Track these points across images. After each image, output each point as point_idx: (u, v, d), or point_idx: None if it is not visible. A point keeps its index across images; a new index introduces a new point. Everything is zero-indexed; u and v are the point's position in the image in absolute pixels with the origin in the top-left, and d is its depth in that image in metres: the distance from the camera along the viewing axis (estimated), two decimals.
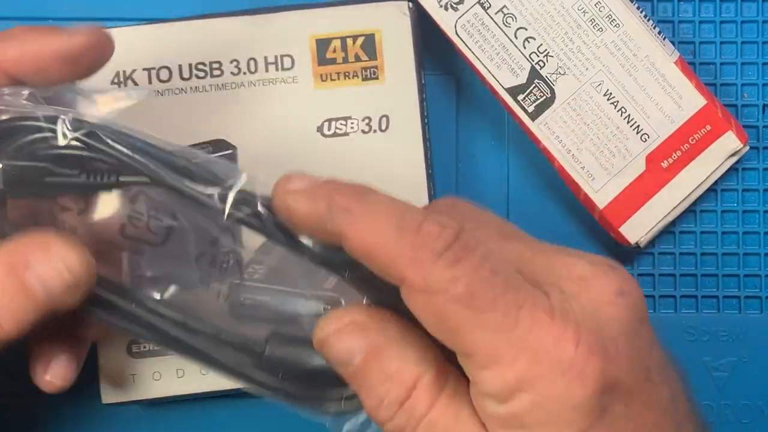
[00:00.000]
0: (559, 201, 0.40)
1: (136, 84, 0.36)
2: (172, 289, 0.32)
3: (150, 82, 0.36)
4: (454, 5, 0.36)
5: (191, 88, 0.37)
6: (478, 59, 0.37)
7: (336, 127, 0.37)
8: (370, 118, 0.38)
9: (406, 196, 0.37)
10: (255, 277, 0.37)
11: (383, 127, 0.38)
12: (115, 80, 0.36)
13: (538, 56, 0.36)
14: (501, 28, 0.36)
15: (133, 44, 0.37)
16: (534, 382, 0.26)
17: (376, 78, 0.37)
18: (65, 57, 0.29)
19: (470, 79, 0.40)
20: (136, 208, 0.32)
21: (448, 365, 0.28)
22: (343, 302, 0.37)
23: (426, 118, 0.38)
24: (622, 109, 0.37)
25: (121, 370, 0.37)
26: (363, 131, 0.37)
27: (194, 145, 0.37)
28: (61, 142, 0.29)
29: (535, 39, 0.36)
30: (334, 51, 0.37)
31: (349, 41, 0.37)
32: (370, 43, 0.37)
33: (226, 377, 0.31)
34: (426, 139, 0.38)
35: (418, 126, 0.38)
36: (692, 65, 0.41)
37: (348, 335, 0.29)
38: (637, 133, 0.37)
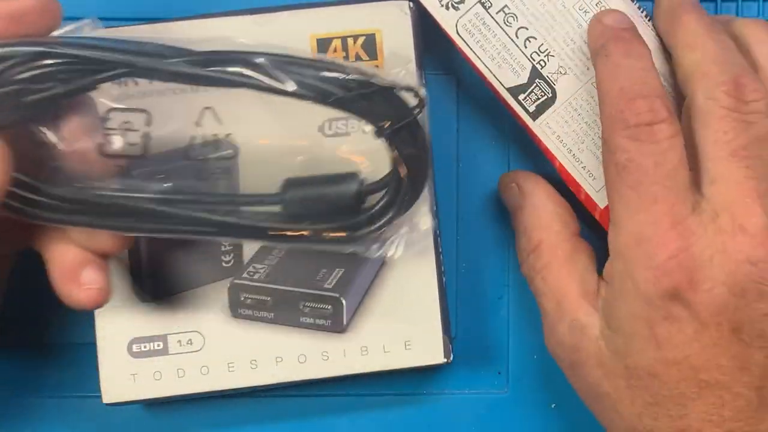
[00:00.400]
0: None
1: (136, 84, 0.36)
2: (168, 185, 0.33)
3: (150, 82, 0.36)
4: (455, 5, 0.36)
5: (192, 88, 0.37)
6: (479, 59, 0.37)
7: (337, 127, 0.37)
8: None
9: None
10: (256, 276, 0.37)
11: None
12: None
13: (539, 56, 0.36)
14: (502, 28, 0.36)
15: None
16: (627, 259, 0.32)
17: None
18: (10, 16, 0.30)
19: (471, 78, 0.40)
20: (108, 125, 0.33)
21: (571, 236, 0.36)
22: (344, 302, 0.37)
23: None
24: None
25: (122, 369, 0.37)
26: (363, 131, 0.37)
27: (194, 146, 0.37)
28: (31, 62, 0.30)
29: (536, 38, 0.36)
30: (335, 51, 0.37)
31: (350, 41, 0.37)
32: (370, 43, 0.37)
33: (255, 239, 0.34)
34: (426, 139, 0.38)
35: None
36: None
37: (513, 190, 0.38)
38: None
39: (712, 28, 0.35)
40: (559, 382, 0.37)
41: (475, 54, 0.37)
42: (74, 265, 0.32)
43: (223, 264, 0.38)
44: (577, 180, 0.37)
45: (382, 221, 0.33)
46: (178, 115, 0.36)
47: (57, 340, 0.40)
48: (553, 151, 0.37)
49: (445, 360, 0.38)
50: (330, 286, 0.37)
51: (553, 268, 0.36)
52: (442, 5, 0.36)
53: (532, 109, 0.37)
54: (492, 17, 0.36)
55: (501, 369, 0.41)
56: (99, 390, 0.37)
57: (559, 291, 0.35)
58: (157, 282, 0.37)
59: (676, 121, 0.33)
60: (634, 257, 0.32)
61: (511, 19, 0.36)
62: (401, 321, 0.38)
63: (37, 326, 0.40)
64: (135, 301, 0.37)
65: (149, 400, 0.37)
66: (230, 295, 0.37)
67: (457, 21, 0.36)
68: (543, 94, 0.37)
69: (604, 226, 0.38)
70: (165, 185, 0.33)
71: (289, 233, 0.33)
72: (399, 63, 0.37)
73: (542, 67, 0.37)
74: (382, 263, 0.38)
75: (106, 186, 0.32)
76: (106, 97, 0.32)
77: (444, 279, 0.38)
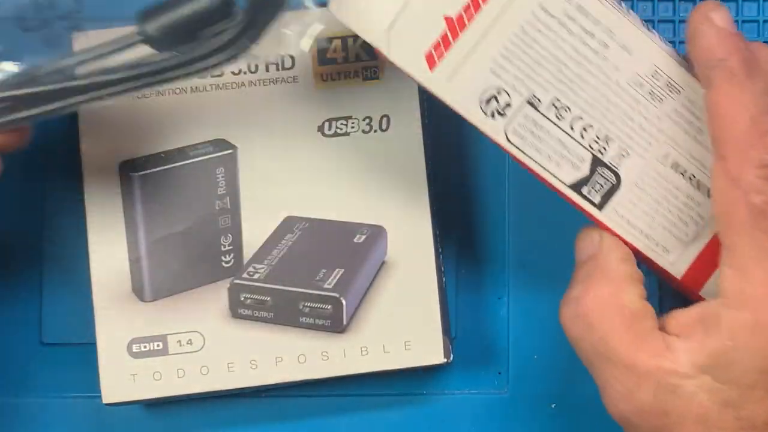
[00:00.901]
0: (561, 200, 0.40)
1: None
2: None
3: None
4: (501, 111, 0.32)
5: (191, 88, 0.37)
6: (535, 161, 0.33)
7: (337, 127, 0.37)
8: (370, 118, 0.38)
9: (406, 196, 0.38)
10: (255, 276, 0.37)
11: (383, 127, 0.38)
12: None
13: (598, 143, 0.33)
14: (555, 123, 0.33)
15: None
16: (760, 312, 0.30)
17: (377, 78, 0.37)
18: None
19: None
20: None
21: (639, 299, 0.33)
22: (344, 302, 0.37)
23: (426, 118, 0.38)
24: (691, 176, 0.34)
25: (121, 370, 0.37)
26: (363, 131, 0.37)
27: (195, 146, 0.37)
28: None
29: (592, 126, 0.33)
30: (335, 51, 0.37)
31: (350, 41, 0.37)
32: None
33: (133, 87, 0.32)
34: (426, 139, 0.38)
35: (418, 126, 0.38)
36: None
37: None
38: (708, 196, 0.34)
39: (727, 30, 0.32)
40: (559, 382, 0.37)
41: (531, 158, 0.33)
42: None
43: (223, 264, 0.38)
44: (652, 258, 0.35)
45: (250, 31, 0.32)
46: (180, 119, 0.36)
47: (57, 340, 0.40)
48: (623, 236, 0.34)
49: (445, 360, 0.38)
50: (330, 286, 0.37)
51: (614, 329, 0.32)
52: (488, 115, 0.33)
53: (597, 200, 0.34)
54: (543, 115, 0.33)
55: (501, 369, 0.40)
56: (99, 390, 0.37)
57: (627, 355, 0.31)
58: (156, 282, 0.37)
59: None
60: None
61: (564, 112, 0.33)
62: (401, 321, 0.38)
63: (38, 326, 0.40)
64: (135, 301, 0.37)
65: (149, 400, 0.37)
66: (230, 295, 0.37)
67: (506, 128, 0.33)
68: (607, 181, 0.34)
69: (683, 292, 0.36)
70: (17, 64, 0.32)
71: (162, 70, 0.32)
72: None
73: (603, 154, 0.33)
74: (382, 263, 0.38)
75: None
76: None
77: (444, 279, 0.38)
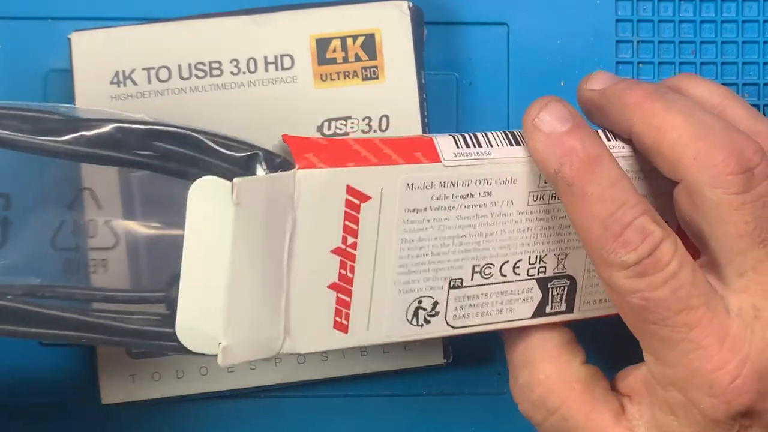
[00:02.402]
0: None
1: (135, 84, 0.36)
2: (36, 283, 0.31)
3: (149, 82, 0.36)
4: (432, 313, 0.32)
5: (191, 88, 0.37)
6: (489, 323, 0.33)
7: (336, 127, 0.37)
8: (370, 118, 0.37)
9: None
10: None
11: (383, 127, 0.38)
12: (115, 80, 0.36)
13: (535, 268, 0.33)
14: (486, 284, 0.32)
15: (133, 44, 0.36)
16: (686, 390, 0.29)
17: (376, 78, 0.37)
18: None
19: (471, 78, 0.40)
20: None
21: (581, 364, 0.33)
22: None
23: (426, 118, 0.38)
24: None
25: (121, 370, 0.37)
26: (363, 131, 0.37)
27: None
28: None
29: (521, 260, 0.32)
30: (334, 51, 0.37)
31: (349, 41, 0.37)
32: (370, 43, 0.37)
33: (137, 344, 0.30)
34: None
35: (418, 126, 0.38)
36: (692, 65, 0.41)
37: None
38: None
39: (666, 97, 0.31)
40: None
41: (483, 324, 0.33)
42: None
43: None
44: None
45: None
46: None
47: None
48: (603, 314, 0.34)
49: (445, 361, 0.38)
50: None
51: (571, 406, 0.32)
52: (423, 324, 0.32)
53: (563, 308, 0.33)
54: (471, 287, 0.32)
55: (501, 370, 0.40)
56: (98, 391, 0.37)
57: (586, 428, 0.31)
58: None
59: (669, 229, 0.29)
60: (693, 389, 0.29)
61: (487, 270, 0.32)
62: None
63: None
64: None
65: (148, 400, 0.37)
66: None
67: (447, 321, 0.32)
68: (562, 287, 0.33)
69: None
70: (30, 280, 0.31)
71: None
72: (399, 63, 0.37)
73: (545, 272, 0.33)
74: None
75: None
76: None
77: None
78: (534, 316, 0.33)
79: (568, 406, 0.32)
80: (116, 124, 0.28)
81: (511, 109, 0.40)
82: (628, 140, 0.32)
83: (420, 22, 0.37)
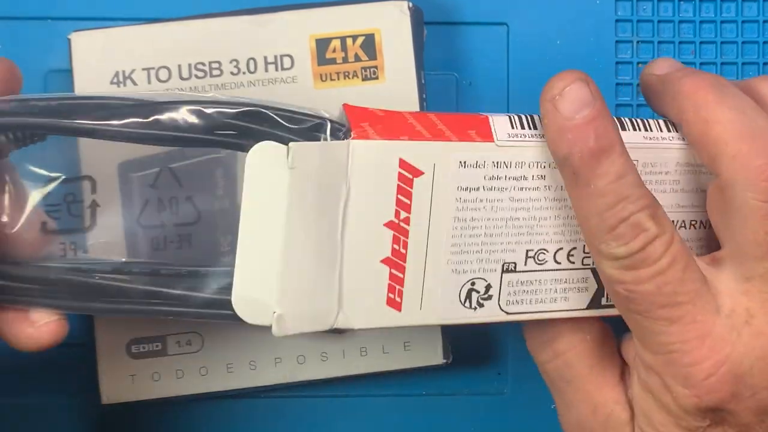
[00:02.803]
0: None
1: (135, 84, 0.36)
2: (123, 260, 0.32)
3: (149, 82, 0.36)
4: (485, 296, 0.31)
5: (191, 88, 0.37)
6: (543, 312, 0.32)
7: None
8: None
9: None
10: None
11: None
12: (114, 80, 0.36)
13: (589, 257, 0.32)
14: (540, 270, 0.31)
15: (133, 44, 0.36)
16: (662, 375, 0.30)
17: (376, 78, 0.37)
18: None
19: (471, 78, 0.40)
20: (50, 201, 0.31)
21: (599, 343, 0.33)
22: None
23: None
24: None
25: (121, 370, 0.37)
26: None
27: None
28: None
29: (575, 248, 0.32)
30: (334, 51, 0.37)
31: (349, 41, 0.37)
32: (370, 43, 0.37)
33: (220, 317, 0.30)
34: None
35: None
36: (693, 65, 0.41)
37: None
38: None
39: (723, 90, 0.30)
40: None
41: (537, 312, 0.32)
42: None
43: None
44: None
45: None
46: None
47: None
48: None
49: (445, 361, 0.38)
50: None
51: (577, 355, 0.33)
52: (476, 307, 0.31)
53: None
54: (525, 272, 0.31)
55: (501, 370, 0.40)
56: (98, 391, 0.37)
57: (586, 380, 0.33)
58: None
59: (668, 223, 0.29)
60: (669, 375, 0.30)
61: (541, 256, 0.31)
62: None
63: None
64: None
65: (148, 401, 0.37)
66: None
67: (500, 306, 0.32)
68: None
69: None
70: (118, 258, 0.32)
71: None
72: (399, 63, 0.37)
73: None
74: None
75: (54, 263, 0.30)
76: (42, 166, 0.31)
77: None
78: (589, 307, 0.32)
79: (576, 353, 0.33)
80: (190, 106, 0.29)
81: (511, 109, 0.40)
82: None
83: (420, 22, 0.37)
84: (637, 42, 0.41)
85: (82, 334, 0.38)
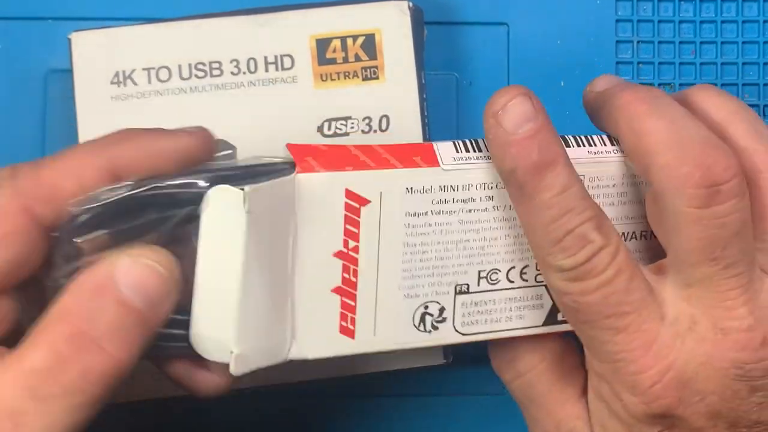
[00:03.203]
0: None
1: (135, 84, 0.36)
2: None
3: (149, 82, 0.36)
4: (439, 318, 0.32)
5: (191, 88, 0.37)
6: (499, 331, 0.32)
7: (336, 127, 0.37)
8: (370, 118, 0.37)
9: None
10: None
11: (383, 127, 0.38)
12: (115, 80, 0.36)
13: (538, 272, 0.32)
14: (493, 290, 0.32)
15: (133, 44, 0.37)
16: (611, 382, 0.30)
17: (376, 78, 0.37)
18: (179, 157, 0.29)
19: (471, 78, 0.40)
20: None
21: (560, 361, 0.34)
22: None
23: (426, 118, 0.38)
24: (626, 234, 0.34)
25: None
26: (363, 131, 0.37)
27: None
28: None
29: (528, 266, 0.32)
30: (334, 51, 0.37)
31: (349, 41, 0.37)
32: (370, 43, 0.37)
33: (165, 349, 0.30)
34: (426, 139, 0.38)
35: (418, 126, 0.37)
36: (693, 65, 0.41)
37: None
38: None
39: (654, 102, 0.30)
40: None
41: (493, 332, 0.32)
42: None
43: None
44: None
45: None
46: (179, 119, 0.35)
47: None
48: None
49: (445, 361, 0.38)
50: None
51: (538, 374, 0.33)
52: (430, 330, 0.32)
53: None
54: (478, 292, 0.32)
55: None
56: None
57: (548, 399, 0.33)
58: None
59: (614, 234, 0.29)
60: (617, 383, 0.30)
61: (494, 275, 0.32)
62: None
63: None
64: None
65: (148, 401, 0.37)
66: None
67: (455, 328, 0.32)
68: None
69: None
70: None
71: None
72: (399, 63, 0.37)
73: None
74: None
75: None
76: None
77: None
78: (546, 323, 0.33)
79: (536, 373, 0.33)
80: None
81: None
82: None
83: (420, 22, 0.37)
84: (638, 42, 0.41)
85: None
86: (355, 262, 0.30)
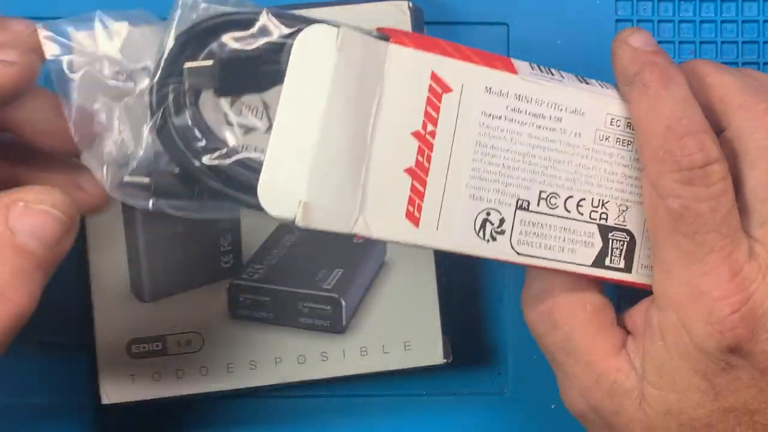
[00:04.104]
0: None
1: (135, 84, 0.36)
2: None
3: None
4: (498, 230, 0.32)
5: None
6: (551, 260, 0.32)
7: None
8: None
9: None
10: (255, 277, 0.37)
11: None
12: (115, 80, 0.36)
13: (597, 212, 0.33)
14: (551, 214, 0.32)
15: (133, 44, 0.36)
16: (683, 311, 0.30)
17: None
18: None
19: None
20: None
21: (594, 295, 0.34)
22: (343, 303, 0.37)
23: None
24: None
25: (121, 370, 0.37)
26: None
27: None
28: (272, 33, 0.30)
29: (584, 199, 0.32)
30: None
31: None
32: None
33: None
34: None
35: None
36: None
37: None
38: None
39: (716, 65, 0.34)
40: None
41: (545, 258, 0.32)
42: None
43: (223, 264, 0.38)
44: None
45: None
46: None
47: (56, 340, 0.40)
48: (649, 284, 0.33)
49: (445, 361, 0.38)
50: (329, 287, 0.37)
51: (577, 326, 0.33)
52: (489, 239, 0.32)
53: (622, 264, 0.33)
54: (537, 213, 0.32)
55: (501, 370, 0.40)
56: (98, 391, 0.37)
57: (587, 351, 0.33)
58: (156, 283, 0.37)
59: (725, 158, 0.31)
60: (691, 311, 0.30)
61: (553, 200, 0.32)
62: (401, 322, 0.38)
63: (36, 327, 0.40)
64: (134, 301, 0.37)
65: (148, 401, 0.37)
66: (229, 295, 0.37)
67: (512, 243, 0.32)
68: (622, 242, 0.33)
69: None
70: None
71: None
72: None
73: (606, 219, 0.33)
74: (382, 263, 0.38)
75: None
76: None
77: (444, 279, 0.38)
78: (594, 265, 0.33)
79: (575, 325, 0.33)
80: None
81: None
82: None
83: (420, 22, 0.37)
84: None
85: (82, 335, 0.38)
86: (430, 147, 0.31)
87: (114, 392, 0.37)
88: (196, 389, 0.37)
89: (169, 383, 0.37)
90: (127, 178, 0.30)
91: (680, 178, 0.30)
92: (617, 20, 0.41)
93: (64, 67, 0.31)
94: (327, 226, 0.30)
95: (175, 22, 0.30)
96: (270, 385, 0.38)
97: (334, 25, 0.29)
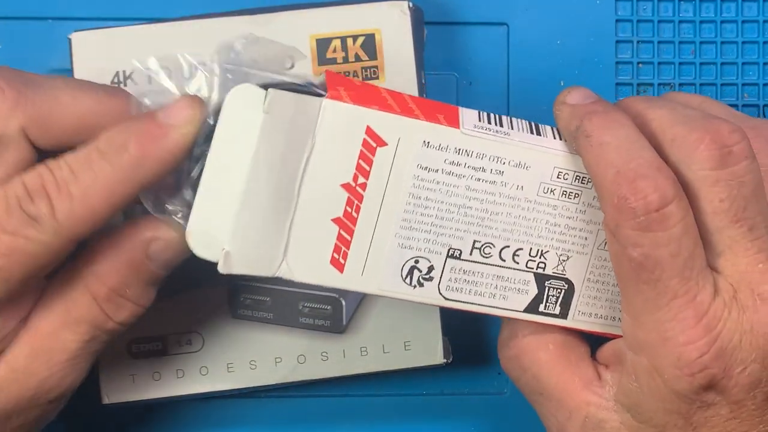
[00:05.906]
0: None
1: (135, 84, 0.36)
2: None
3: (149, 82, 0.36)
4: (426, 277, 0.32)
5: None
6: (481, 305, 0.33)
7: None
8: None
9: None
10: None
11: None
12: (115, 80, 0.36)
13: (534, 261, 0.33)
14: (484, 263, 0.32)
15: (133, 44, 0.36)
16: (653, 356, 0.30)
17: (376, 78, 0.37)
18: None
19: (471, 78, 0.40)
20: None
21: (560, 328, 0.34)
22: (343, 303, 0.37)
23: None
24: None
25: (121, 370, 0.37)
26: None
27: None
28: None
29: (521, 249, 0.32)
30: (334, 51, 0.37)
31: (349, 41, 0.37)
32: (370, 43, 0.37)
33: None
34: None
35: None
36: (692, 65, 0.41)
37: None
38: None
39: (648, 99, 0.33)
40: None
41: (475, 304, 0.33)
42: None
43: None
44: (613, 333, 0.34)
45: None
46: None
47: None
48: (598, 331, 0.34)
49: (445, 361, 0.38)
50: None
51: (543, 366, 0.33)
52: (416, 285, 0.32)
53: (557, 311, 0.33)
54: (469, 261, 0.32)
55: (501, 370, 0.40)
56: (98, 391, 0.37)
57: (556, 389, 0.33)
58: None
59: (683, 193, 0.30)
60: (661, 356, 0.30)
61: (487, 249, 0.32)
62: (401, 321, 0.38)
63: None
64: None
65: (149, 400, 0.37)
66: (230, 295, 0.37)
67: (439, 289, 0.33)
68: (559, 290, 0.33)
69: None
70: None
71: None
72: (399, 63, 0.37)
73: (544, 268, 0.33)
74: None
75: None
76: None
77: None
78: (526, 310, 0.33)
79: (541, 365, 0.33)
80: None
81: (511, 110, 0.40)
82: None
83: (420, 22, 0.37)
84: (638, 42, 0.41)
85: None
86: (360, 198, 0.31)
87: (114, 392, 0.37)
88: (196, 389, 0.37)
89: (169, 383, 0.37)
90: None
91: (637, 225, 0.29)
92: (617, 20, 0.41)
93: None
94: (249, 271, 0.31)
95: None
96: (270, 385, 0.38)
97: (264, 87, 0.30)
